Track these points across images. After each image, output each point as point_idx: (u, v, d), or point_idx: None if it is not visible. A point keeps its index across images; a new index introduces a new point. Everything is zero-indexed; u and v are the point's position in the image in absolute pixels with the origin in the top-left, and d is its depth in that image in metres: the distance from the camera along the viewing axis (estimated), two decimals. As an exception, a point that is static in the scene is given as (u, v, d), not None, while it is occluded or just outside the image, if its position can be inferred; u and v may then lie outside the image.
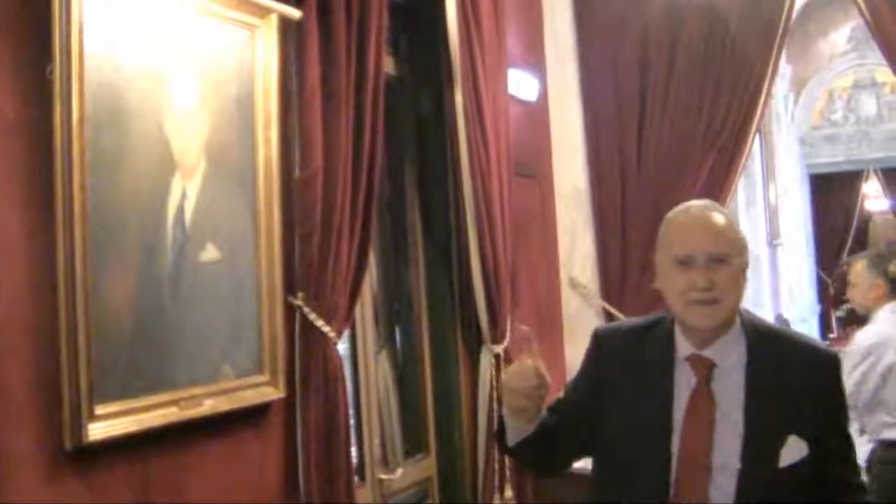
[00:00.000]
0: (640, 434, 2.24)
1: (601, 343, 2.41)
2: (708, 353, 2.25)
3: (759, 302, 12.15)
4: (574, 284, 5.24)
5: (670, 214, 2.33)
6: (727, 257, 2.21)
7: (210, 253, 2.70)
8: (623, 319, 2.54)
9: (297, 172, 3.01)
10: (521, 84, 4.81)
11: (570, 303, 5.26)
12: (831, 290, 18.29)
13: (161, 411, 2.52)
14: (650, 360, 2.29)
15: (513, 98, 4.60)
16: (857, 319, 18.96)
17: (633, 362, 2.32)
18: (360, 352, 3.72)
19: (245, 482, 2.88)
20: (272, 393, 2.93)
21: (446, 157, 4.12)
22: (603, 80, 5.21)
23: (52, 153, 2.26)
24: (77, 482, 2.32)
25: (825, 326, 17.35)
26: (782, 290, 14.05)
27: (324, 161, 3.03)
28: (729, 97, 5.05)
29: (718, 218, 2.26)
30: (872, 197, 18.63)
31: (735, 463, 2.17)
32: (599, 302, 5.20)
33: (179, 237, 2.60)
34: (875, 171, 17.68)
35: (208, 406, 2.68)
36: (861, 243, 20.25)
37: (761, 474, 2.17)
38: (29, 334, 2.23)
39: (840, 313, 19.15)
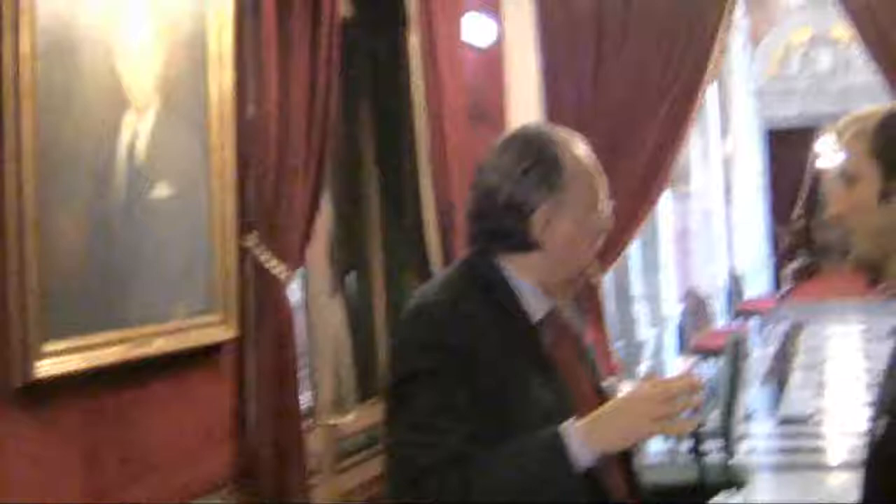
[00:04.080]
0: (549, 417, 1.83)
1: (454, 317, 1.88)
2: (561, 308, 2.01)
3: (713, 254, 12.29)
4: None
5: (561, 151, 1.94)
6: None
7: (162, 191, 2.69)
8: (430, 284, 2.08)
9: (251, 112, 2.99)
10: (477, 28, 4.80)
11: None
12: (784, 244, 18.56)
13: (111, 349, 2.51)
14: (513, 325, 1.91)
15: (469, 42, 4.59)
16: (809, 273, 19.22)
17: (498, 331, 1.88)
18: (312, 295, 3.73)
19: (195, 422, 2.89)
20: (223, 333, 2.93)
21: (401, 101, 4.11)
22: (559, 25, 5.21)
23: (0, 85, 2.22)
24: (25, 419, 2.31)
25: (778, 280, 17.62)
26: (736, 243, 14.22)
27: (278, 101, 3.01)
28: (684, 46, 5.06)
29: None
30: (826, 153, 18.82)
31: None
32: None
33: (131, 174, 2.58)
34: (830, 126, 17.83)
35: (159, 345, 2.68)
36: (815, 198, 20.53)
37: None
38: (-24, 270, 2.22)
39: (793, 267, 19.46)
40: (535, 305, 1.93)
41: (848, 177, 1.84)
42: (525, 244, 1.92)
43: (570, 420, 1.79)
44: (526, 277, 1.93)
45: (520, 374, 1.86)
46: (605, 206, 1.95)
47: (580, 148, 1.96)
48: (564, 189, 1.90)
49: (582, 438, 1.76)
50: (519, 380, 1.86)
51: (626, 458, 1.97)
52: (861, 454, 1.86)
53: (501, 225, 1.92)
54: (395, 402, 1.89)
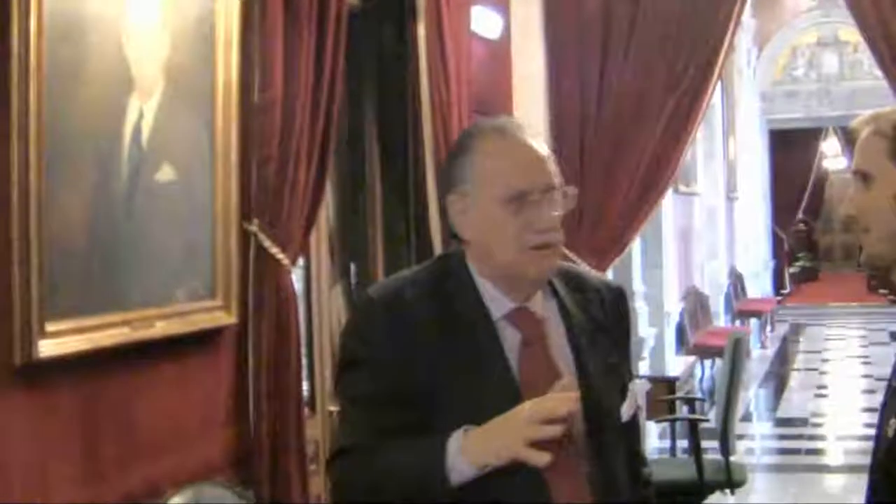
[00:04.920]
0: (487, 415, 1.76)
1: (389, 310, 1.85)
2: (532, 305, 1.89)
3: (715, 254, 12.29)
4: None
5: (470, 141, 1.88)
6: (556, 188, 1.85)
7: (166, 173, 2.69)
8: (390, 279, 2.05)
9: (256, 97, 2.99)
10: (484, 21, 4.79)
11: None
12: (786, 246, 18.56)
13: (112, 331, 2.51)
14: (462, 323, 1.84)
15: (475, 35, 4.59)
16: (810, 277, 19.24)
17: (440, 329, 1.83)
18: (314, 284, 3.73)
19: (194, 406, 2.89)
20: (224, 318, 2.93)
21: (406, 92, 4.11)
22: (566, 22, 5.21)
23: (8, 65, 2.22)
24: (25, 398, 2.32)
25: (778, 282, 17.62)
26: (737, 244, 14.22)
27: (283, 87, 3.01)
28: (691, 45, 5.06)
29: (538, 140, 1.88)
30: (831, 156, 18.83)
31: (581, 426, 1.80)
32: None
33: (135, 156, 2.59)
34: (835, 129, 17.85)
35: (160, 328, 2.68)
36: (818, 201, 20.56)
37: (610, 434, 1.87)
38: (-20, 248, 2.22)
39: (794, 269, 19.47)
40: (496, 302, 1.86)
41: (864, 176, 1.79)
42: (456, 236, 1.89)
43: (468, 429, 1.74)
44: (482, 273, 1.88)
45: (453, 371, 1.80)
46: (536, 204, 1.81)
47: (507, 140, 1.85)
48: (470, 181, 1.84)
49: (461, 449, 1.72)
50: (448, 377, 1.80)
51: (600, 465, 1.86)
52: (873, 456, 1.83)
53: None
54: (337, 388, 1.94)
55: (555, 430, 1.67)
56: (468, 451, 1.72)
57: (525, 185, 1.80)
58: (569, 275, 1.99)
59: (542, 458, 1.67)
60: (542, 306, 1.90)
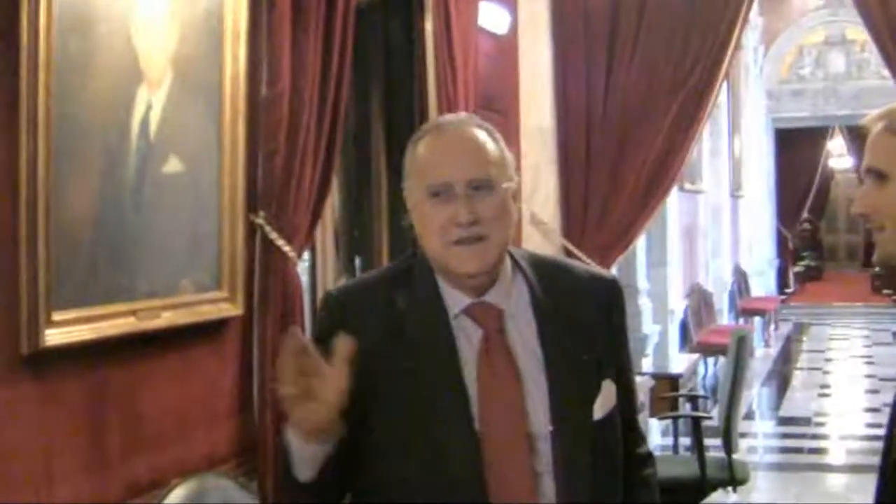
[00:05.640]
0: (429, 415, 1.76)
1: (344, 308, 1.86)
2: (490, 298, 1.84)
3: (719, 252, 12.30)
4: (535, 221, 5.28)
5: (418, 134, 1.89)
6: (493, 182, 1.80)
7: (173, 165, 2.71)
8: (359, 276, 2.01)
9: (263, 91, 3.01)
10: (491, 16, 4.80)
11: (531, 239, 5.30)
12: (790, 245, 18.54)
13: (119, 321, 2.53)
14: (415, 319, 1.82)
15: (483, 30, 4.60)
16: (814, 276, 19.25)
17: (392, 326, 1.81)
18: (319, 277, 3.75)
19: (199, 397, 2.90)
20: (230, 309, 2.95)
21: (413, 86, 4.12)
22: (574, 18, 5.22)
23: (18, 58, 2.24)
24: (32, 387, 2.33)
25: (783, 281, 17.61)
26: (742, 242, 14.21)
27: (291, 81, 3.03)
28: (699, 43, 5.08)
29: (477, 133, 1.84)
30: (837, 155, 18.81)
31: (546, 425, 1.78)
32: (560, 240, 5.25)
33: (143, 147, 2.60)
34: (841, 128, 17.83)
35: (166, 318, 2.69)
36: (823, 201, 20.54)
37: (579, 433, 1.81)
38: (-12, 236, 2.23)
39: (798, 268, 19.46)
40: (453, 297, 1.84)
41: (877, 174, 1.75)
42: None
43: None
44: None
45: (397, 368, 1.78)
46: (462, 199, 1.77)
47: (440, 134, 1.86)
48: (408, 174, 1.85)
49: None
50: (391, 375, 1.78)
51: (563, 464, 1.80)
52: (883, 458, 1.80)
53: None
54: None
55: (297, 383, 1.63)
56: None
57: (447, 178, 1.78)
58: (550, 265, 1.95)
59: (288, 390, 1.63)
60: (509, 299, 1.85)
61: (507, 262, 1.87)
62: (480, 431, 1.76)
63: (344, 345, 1.65)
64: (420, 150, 1.85)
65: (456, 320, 1.83)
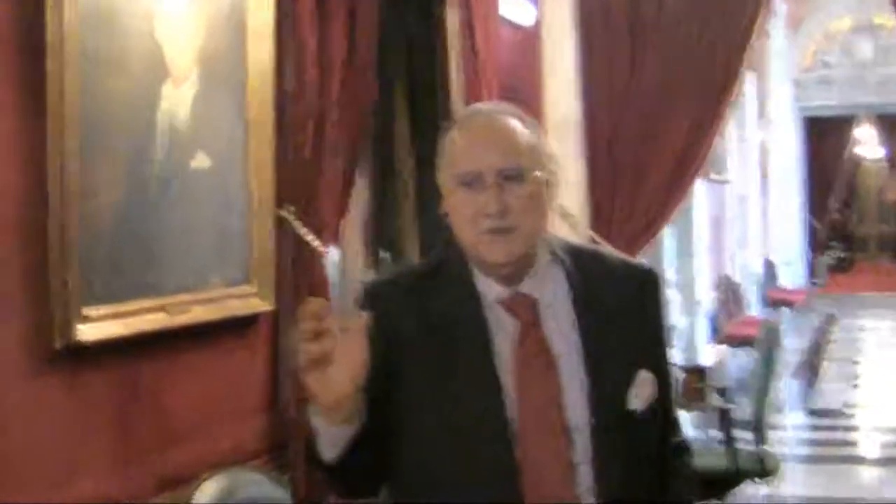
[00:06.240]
0: (463, 406, 1.75)
1: (380, 300, 1.83)
2: (525, 288, 1.82)
3: (747, 243, 12.23)
4: (563, 214, 5.27)
5: (451, 122, 1.90)
6: (524, 172, 1.78)
7: (200, 160, 2.72)
8: (396, 268, 1.98)
9: (289, 85, 3.01)
10: (514, 7, 4.79)
11: (559, 232, 5.28)
12: (819, 235, 18.42)
13: (149, 316, 2.55)
14: (450, 310, 1.81)
15: (506, 21, 4.59)
16: (843, 266, 19.04)
17: (427, 317, 1.80)
18: (347, 272, 3.75)
19: (229, 391, 2.92)
20: (260, 304, 2.96)
21: (436, 78, 4.11)
22: (597, 8, 5.19)
23: (44, 55, 2.25)
24: (65, 382, 2.36)
25: (812, 271, 17.49)
26: (770, 233, 14.12)
27: (316, 75, 3.03)
28: (722, 32, 5.04)
29: (510, 122, 1.81)
30: (864, 143, 18.64)
31: (584, 416, 1.76)
32: (587, 232, 5.23)
33: (170, 144, 2.61)
34: (868, 116, 17.67)
35: (196, 313, 2.71)
36: (852, 190, 20.37)
37: (617, 424, 1.78)
38: (20, 234, 2.25)
39: (827, 259, 19.32)
40: (489, 288, 1.82)
41: None
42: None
43: None
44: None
45: (426, 359, 1.77)
46: (493, 188, 1.76)
47: (472, 122, 1.85)
48: (440, 165, 1.84)
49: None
50: (419, 364, 1.77)
51: (602, 455, 1.78)
52: None
53: None
54: None
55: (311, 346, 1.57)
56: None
57: (477, 167, 1.77)
58: (587, 255, 1.93)
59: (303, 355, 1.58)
60: (545, 289, 1.83)
61: (545, 251, 1.85)
62: (516, 423, 1.74)
63: (360, 317, 1.62)
64: (452, 139, 1.83)
65: (490, 311, 1.81)
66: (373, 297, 1.85)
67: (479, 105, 1.94)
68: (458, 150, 1.81)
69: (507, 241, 1.77)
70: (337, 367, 1.59)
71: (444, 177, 1.82)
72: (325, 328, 1.58)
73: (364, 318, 1.63)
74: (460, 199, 1.78)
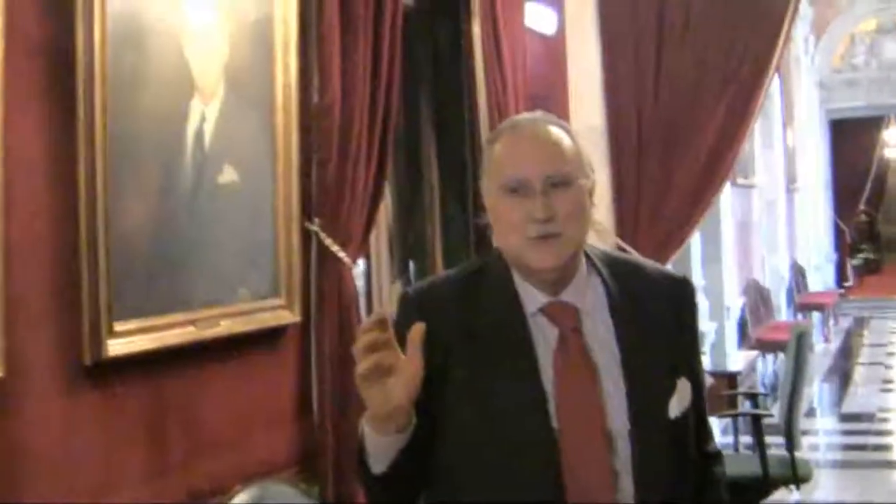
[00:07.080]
0: (506, 413, 1.76)
1: (419, 307, 1.84)
2: (567, 297, 1.83)
3: (775, 247, 12.16)
4: (591, 222, 5.26)
5: (493, 134, 1.93)
6: (570, 178, 1.79)
7: (228, 175, 2.74)
8: (435, 275, 2.01)
9: (315, 99, 3.03)
10: (538, 17, 4.80)
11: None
12: (848, 238, 18.28)
13: (178, 330, 2.56)
14: (491, 318, 1.83)
15: (530, 31, 4.59)
16: (873, 269, 18.92)
17: (468, 324, 1.82)
18: (374, 282, 3.76)
19: (258, 404, 2.93)
20: (288, 316, 2.97)
21: (462, 91, 4.13)
22: (621, 16, 5.19)
23: (73, 72, 2.28)
24: (95, 397, 2.37)
25: (841, 275, 17.36)
26: (798, 236, 14.04)
27: (342, 89, 3.05)
28: (748, 36, 5.03)
29: (554, 130, 1.85)
30: (893, 144, 18.51)
31: (625, 424, 1.78)
32: (614, 239, 5.22)
33: (198, 158, 2.63)
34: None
35: (224, 327, 2.72)
36: (879, 192, 20.23)
37: (656, 432, 1.80)
38: (50, 250, 2.27)
39: (856, 262, 19.18)
40: (530, 296, 1.83)
41: None
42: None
43: None
44: (513, 266, 1.86)
45: (467, 366, 1.78)
46: (540, 195, 1.77)
47: (516, 130, 1.87)
48: (485, 171, 1.86)
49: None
50: (460, 372, 1.78)
51: (643, 464, 1.79)
52: None
53: None
54: None
55: (370, 358, 1.62)
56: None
57: (524, 174, 1.79)
58: (624, 264, 1.95)
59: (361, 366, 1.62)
60: (585, 298, 1.85)
61: (583, 260, 1.87)
62: (558, 430, 1.76)
63: (416, 330, 1.65)
64: (497, 149, 1.85)
65: (532, 319, 1.83)
66: (413, 305, 1.86)
67: (520, 116, 1.96)
68: (504, 158, 1.83)
69: (553, 246, 1.78)
70: (394, 379, 1.63)
71: (490, 185, 1.84)
72: (387, 339, 1.61)
73: (420, 329, 1.66)
74: (507, 206, 1.79)
